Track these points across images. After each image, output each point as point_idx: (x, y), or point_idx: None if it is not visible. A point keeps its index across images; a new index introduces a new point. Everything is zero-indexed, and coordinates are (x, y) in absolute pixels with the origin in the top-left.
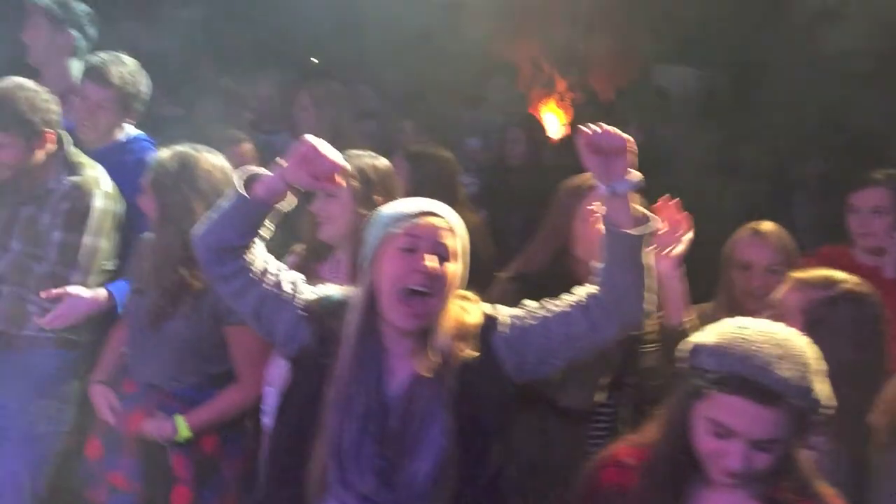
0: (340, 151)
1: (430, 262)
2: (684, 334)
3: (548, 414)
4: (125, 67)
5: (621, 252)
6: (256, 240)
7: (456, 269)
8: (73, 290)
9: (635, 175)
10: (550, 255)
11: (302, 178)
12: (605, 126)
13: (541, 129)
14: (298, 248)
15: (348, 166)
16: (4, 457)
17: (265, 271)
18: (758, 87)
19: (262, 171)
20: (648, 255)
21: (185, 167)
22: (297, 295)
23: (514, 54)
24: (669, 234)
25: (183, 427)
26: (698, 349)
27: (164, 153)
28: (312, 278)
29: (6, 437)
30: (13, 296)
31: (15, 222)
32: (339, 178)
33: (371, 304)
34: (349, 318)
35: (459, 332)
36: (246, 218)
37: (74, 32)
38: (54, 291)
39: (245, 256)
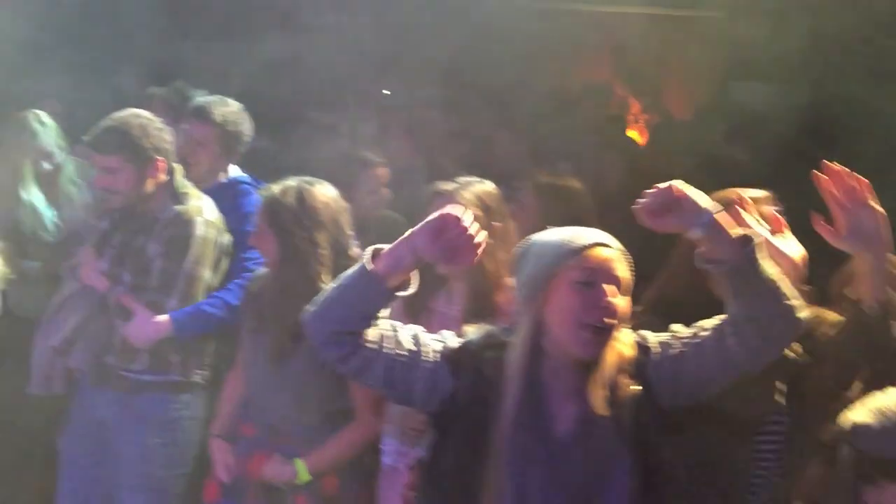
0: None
1: (611, 296)
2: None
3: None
4: (228, 108)
5: (739, 282)
6: (372, 327)
7: (627, 301)
8: (142, 308)
9: (708, 203)
10: (685, 282)
11: (436, 253)
12: (647, 195)
13: (637, 153)
14: None
15: (484, 242)
16: (137, 502)
17: (382, 337)
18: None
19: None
20: (768, 264)
21: (304, 202)
22: (422, 349)
23: (591, 76)
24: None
25: (303, 470)
26: (860, 431)
27: (277, 190)
28: (423, 313)
29: (124, 483)
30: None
31: (127, 255)
32: (478, 257)
33: (535, 340)
34: (511, 356)
35: (621, 365)
36: (370, 297)
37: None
38: (128, 301)
39: (364, 334)
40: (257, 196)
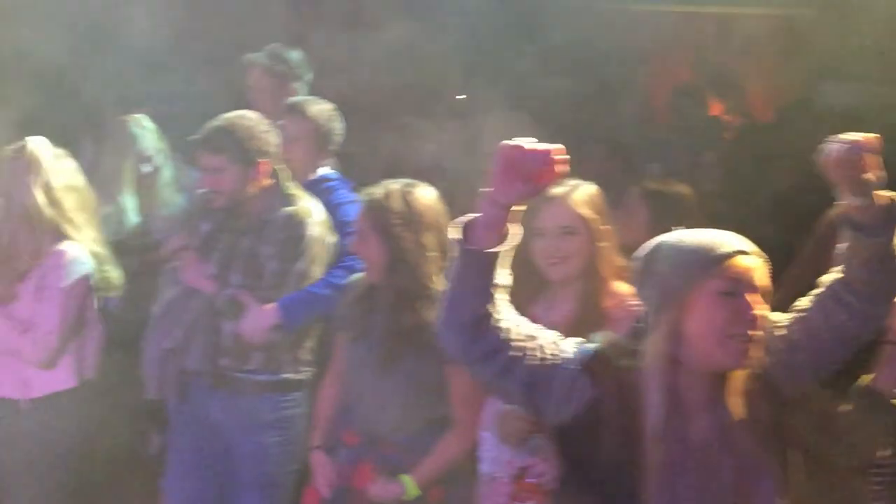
0: None
1: (758, 308)
2: None
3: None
4: (322, 106)
5: (877, 250)
6: (499, 302)
7: (767, 308)
8: (254, 303)
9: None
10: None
11: (515, 188)
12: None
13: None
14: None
15: (560, 148)
16: (253, 501)
17: (525, 337)
18: None
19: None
20: None
21: (410, 205)
22: (562, 355)
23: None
24: None
25: (412, 486)
26: None
27: (380, 193)
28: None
29: (240, 482)
30: (235, 331)
31: (234, 256)
32: (558, 167)
33: (673, 350)
34: (647, 366)
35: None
36: (478, 272)
37: (295, 85)
38: (239, 297)
39: (498, 325)
40: (344, 193)
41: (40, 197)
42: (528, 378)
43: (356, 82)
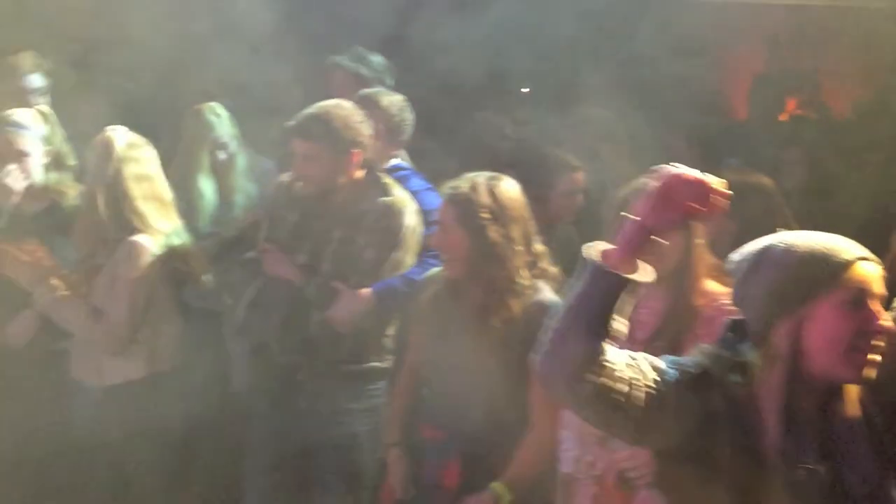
0: None
1: (885, 321)
2: None
3: None
4: (394, 98)
5: None
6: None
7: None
8: (346, 288)
9: None
10: None
11: (667, 216)
12: None
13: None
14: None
15: (721, 182)
16: (342, 488)
17: (630, 369)
18: None
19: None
20: None
21: (497, 197)
22: (666, 378)
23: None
24: None
25: (504, 492)
26: None
27: (465, 186)
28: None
29: (328, 469)
30: (323, 321)
31: (326, 244)
32: (717, 198)
33: (792, 362)
34: (763, 380)
35: None
36: (604, 298)
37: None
38: (332, 284)
39: (607, 364)
40: (418, 182)
41: (111, 188)
42: (639, 413)
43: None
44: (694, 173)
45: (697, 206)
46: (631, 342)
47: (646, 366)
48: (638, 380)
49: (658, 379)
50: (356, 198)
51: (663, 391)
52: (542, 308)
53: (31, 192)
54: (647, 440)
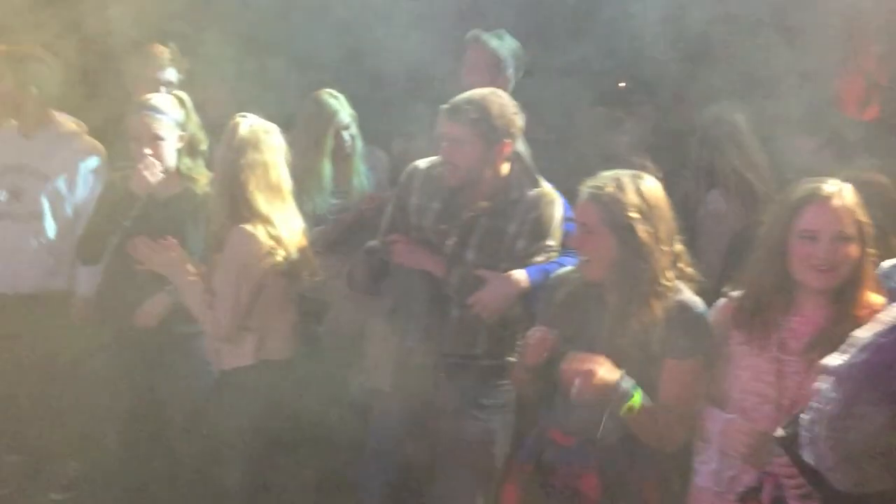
0: None
1: None
2: None
3: None
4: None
5: None
6: None
7: None
8: (494, 274)
9: None
10: None
11: None
12: None
13: None
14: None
15: None
16: (473, 485)
17: None
18: None
19: None
20: None
21: (644, 196)
22: None
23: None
24: None
25: (637, 396)
26: None
27: (610, 185)
28: (770, 328)
29: (457, 463)
30: (466, 313)
31: (471, 233)
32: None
33: None
34: None
35: None
36: None
37: (510, 73)
38: (480, 272)
39: None
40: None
41: (228, 174)
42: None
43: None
44: None
45: None
46: (782, 351)
47: None
48: None
49: None
50: (507, 187)
51: None
52: (684, 309)
53: (165, 177)
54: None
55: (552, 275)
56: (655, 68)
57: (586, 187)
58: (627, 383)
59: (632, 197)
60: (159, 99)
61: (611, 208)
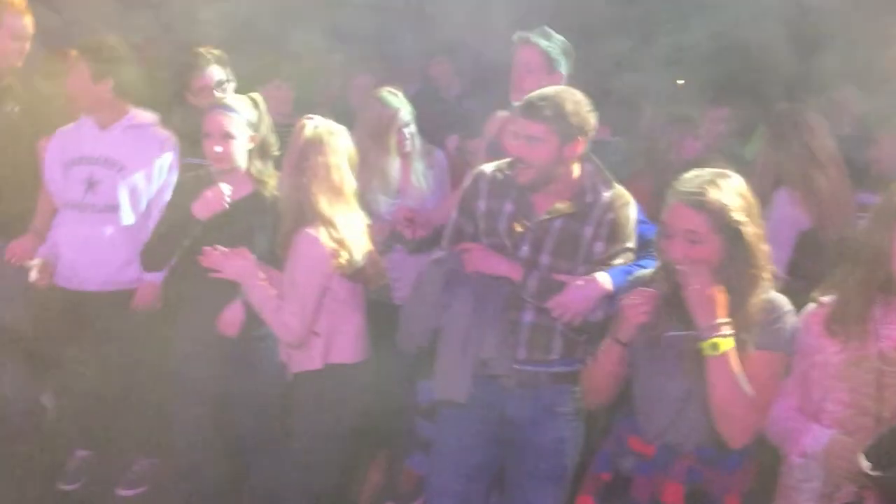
0: None
1: None
2: None
3: None
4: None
5: None
6: None
7: None
8: (571, 278)
9: None
10: None
11: None
12: None
13: None
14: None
15: None
16: (545, 494)
17: None
18: None
19: None
20: None
21: (745, 196)
22: None
23: None
24: None
25: (722, 343)
26: None
27: (709, 190)
28: (863, 325)
29: (530, 475)
30: (540, 319)
31: (546, 236)
32: None
33: None
34: None
35: None
36: None
37: (562, 71)
38: (561, 276)
39: None
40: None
41: (293, 176)
42: None
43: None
44: None
45: None
46: (882, 360)
47: None
48: None
49: None
50: (582, 188)
51: None
52: (773, 305)
53: (235, 178)
54: None
55: (634, 277)
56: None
57: (684, 194)
58: (727, 329)
59: (735, 199)
60: (233, 98)
61: (720, 215)
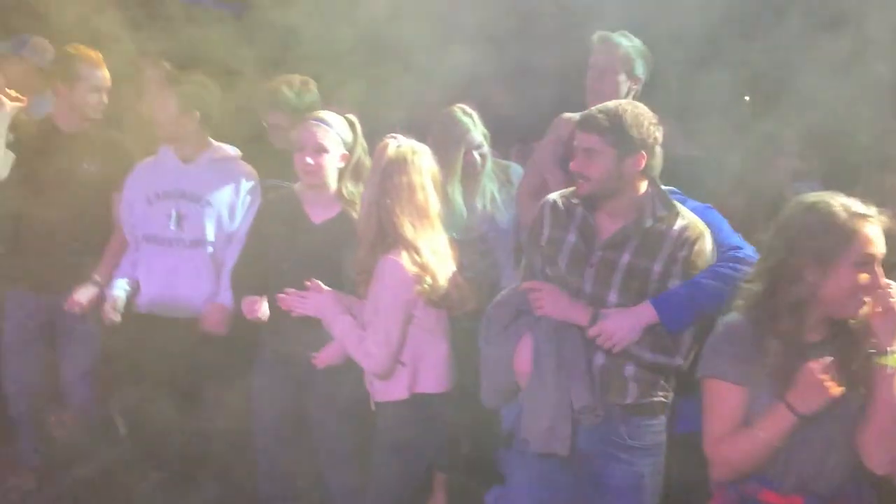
0: None
1: None
2: None
3: None
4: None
5: None
6: None
7: None
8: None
9: None
10: None
11: None
12: None
13: None
14: None
15: None
16: None
17: None
18: None
19: None
20: None
21: (816, 213)
22: None
23: None
24: None
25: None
26: None
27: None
28: None
29: (611, 488)
30: (608, 362)
31: (612, 272)
32: None
33: None
34: None
35: None
36: None
37: (641, 73)
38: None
39: None
40: (691, 203)
41: (375, 198)
42: None
43: None
44: None
45: None
46: None
47: None
48: None
49: None
50: (639, 210)
51: None
52: None
53: (322, 197)
54: None
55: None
56: None
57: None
58: None
59: (799, 217)
60: (330, 114)
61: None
